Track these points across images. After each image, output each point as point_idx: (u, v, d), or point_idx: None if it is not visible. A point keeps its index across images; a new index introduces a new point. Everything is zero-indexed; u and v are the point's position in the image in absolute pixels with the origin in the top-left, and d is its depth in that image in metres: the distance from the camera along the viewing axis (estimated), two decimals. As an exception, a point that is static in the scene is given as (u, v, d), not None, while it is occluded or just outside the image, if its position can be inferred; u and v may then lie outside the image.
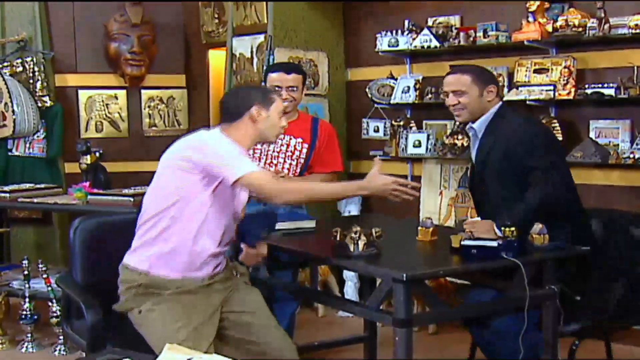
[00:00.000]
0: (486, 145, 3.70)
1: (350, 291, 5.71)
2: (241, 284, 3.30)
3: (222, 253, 3.21)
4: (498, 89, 3.78)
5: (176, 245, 3.06)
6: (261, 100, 3.20)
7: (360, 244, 3.16)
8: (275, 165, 4.14)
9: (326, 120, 4.87)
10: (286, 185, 3.33)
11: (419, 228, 3.54)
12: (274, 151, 4.15)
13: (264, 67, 5.48)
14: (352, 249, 3.17)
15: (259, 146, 4.04)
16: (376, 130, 5.69)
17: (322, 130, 4.23)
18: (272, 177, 3.25)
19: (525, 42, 4.83)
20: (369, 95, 5.65)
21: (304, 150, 4.18)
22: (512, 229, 3.20)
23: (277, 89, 4.01)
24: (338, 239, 3.21)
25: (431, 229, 3.51)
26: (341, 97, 6.04)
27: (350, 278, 5.71)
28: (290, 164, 4.17)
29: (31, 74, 6.13)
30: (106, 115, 6.54)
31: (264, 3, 5.56)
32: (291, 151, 4.16)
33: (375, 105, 5.66)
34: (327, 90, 5.87)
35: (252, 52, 5.67)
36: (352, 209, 5.84)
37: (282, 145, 4.13)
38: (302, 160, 4.18)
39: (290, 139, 4.15)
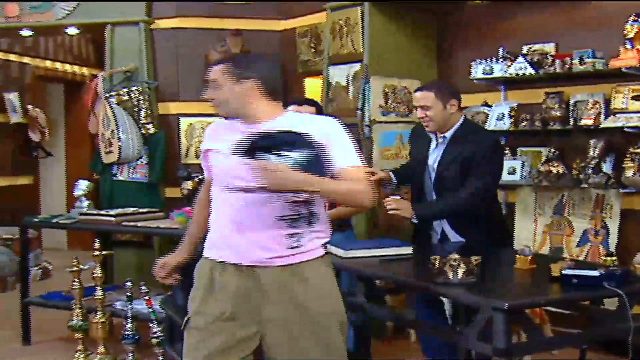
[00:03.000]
0: (450, 152, 4.08)
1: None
2: None
3: None
4: (459, 102, 4.12)
5: None
6: None
7: (460, 271, 3.08)
8: None
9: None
10: None
11: (517, 256, 3.44)
12: None
13: (360, 95, 5.46)
14: (451, 277, 3.08)
15: None
16: (470, 158, 5.57)
17: None
18: None
19: (623, 69, 4.67)
20: (463, 123, 5.55)
21: None
22: (614, 258, 3.08)
23: None
24: (437, 266, 3.13)
25: (529, 257, 3.40)
26: (435, 124, 5.95)
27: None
28: None
29: (136, 103, 6.25)
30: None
31: (360, 33, 5.53)
32: None
33: (470, 132, 5.55)
34: (421, 117, 5.79)
35: (347, 80, 5.65)
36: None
37: None
38: None
39: None
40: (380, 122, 5.56)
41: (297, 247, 2.75)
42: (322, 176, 2.62)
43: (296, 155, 2.59)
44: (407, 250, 3.82)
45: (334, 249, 3.86)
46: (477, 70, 5.40)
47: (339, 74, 5.73)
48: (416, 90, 4.26)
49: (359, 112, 5.50)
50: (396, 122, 5.65)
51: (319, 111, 4.36)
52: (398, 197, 4.14)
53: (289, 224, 2.73)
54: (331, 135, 2.78)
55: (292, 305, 2.74)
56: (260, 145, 2.60)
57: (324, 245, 2.87)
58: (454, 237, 4.11)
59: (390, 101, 5.58)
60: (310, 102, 4.45)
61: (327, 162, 2.65)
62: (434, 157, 4.17)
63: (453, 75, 5.87)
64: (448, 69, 5.93)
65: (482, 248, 3.66)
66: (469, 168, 4.00)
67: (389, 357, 4.63)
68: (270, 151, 2.58)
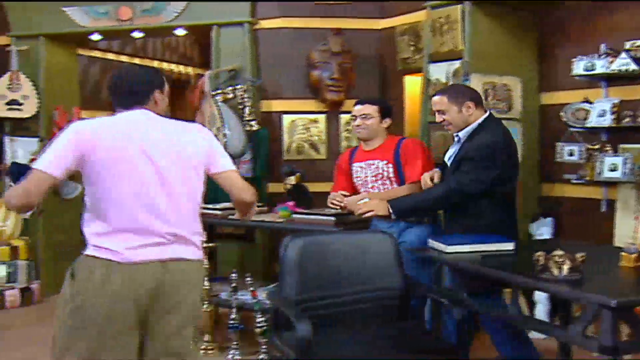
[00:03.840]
0: (462, 150, 4.15)
1: (541, 314, 5.48)
2: None
3: None
4: (476, 103, 4.18)
5: None
6: (161, 85, 3.16)
7: (565, 268, 3.02)
8: (372, 188, 4.66)
9: (413, 139, 4.96)
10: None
11: (622, 254, 3.36)
12: (371, 176, 4.67)
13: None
14: (556, 273, 3.03)
15: (361, 174, 4.70)
16: (570, 154, 5.45)
17: (402, 148, 4.62)
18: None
19: None
20: (564, 119, 5.43)
21: (390, 170, 4.61)
22: None
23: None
24: (541, 262, 3.08)
25: (635, 255, 3.32)
26: (534, 121, 5.84)
27: (541, 301, 5.49)
28: (380, 185, 4.65)
29: (240, 100, 6.34)
30: (307, 138, 6.66)
31: (460, 31, 5.48)
32: (380, 173, 4.63)
33: (570, 129, 5.43)
34: (521, 114, 5.70)
35: (447, 77, 5.60)
36: (544, 232, 5.64)
37: (373, 169, 4.65)
38: (392, 178, 4.62)
39: (378, 162, 4.65)
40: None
41: None
42: None
43: None
44: (509, 246, 3.77)
45: (436, 244, 3.86)
46: (579, 67, 5.27)
47: (439, 72, 5.69)
48: (432, 96, 4.41)
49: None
50: (495, 119, 5.57)
51: (382, 109, 4.69)
52: (366, 200, 4.31)
53: None
54: (213, 143, 3.17)
55: None
56: None
57: None
58: None
59: (490, 98, 5.51)
60: (371, 102, 4.76)
61: None
62: (449, 156, 4.30)
63: (554, 72, 5.76)
64: (549, 66, 5.81)
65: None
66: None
67: (486, 353, 4.57)
68: None
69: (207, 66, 6.93)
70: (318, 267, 3.78)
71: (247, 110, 6.30)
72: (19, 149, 7.22)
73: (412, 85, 6.69)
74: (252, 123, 6.32)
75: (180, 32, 7.09)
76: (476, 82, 5.42)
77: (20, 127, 7.25)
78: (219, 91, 6.37)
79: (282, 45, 6.68)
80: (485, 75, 5.51)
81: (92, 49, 8.47)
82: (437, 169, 4.44)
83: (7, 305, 6.77)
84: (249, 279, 5.15)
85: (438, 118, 4.27)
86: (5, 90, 7.08)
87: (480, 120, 4.19)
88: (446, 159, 4.33)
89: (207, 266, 5.16)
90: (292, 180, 5.24)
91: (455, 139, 4.28)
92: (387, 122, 4.71)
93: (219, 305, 5.39)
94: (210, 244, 5.19)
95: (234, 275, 5.11)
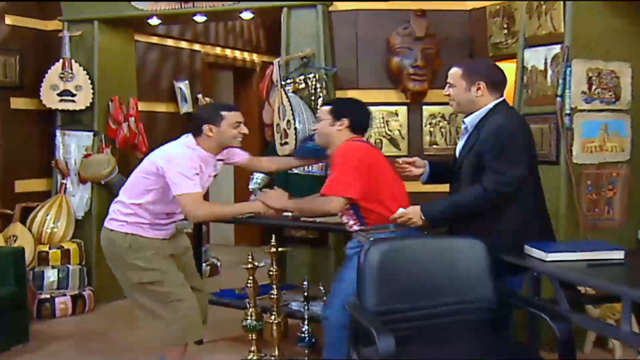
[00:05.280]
0: (470, 141, 4.09)
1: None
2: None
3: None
4: (490, 85, 4.11)
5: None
6: (211, 120, 4.44)
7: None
8: None
9: (345, 144, 4.42)
10: (200, 206, 4.33)
11: None
12: None
13: (560, 80, 5.34)
14: (674, 285, 2.97)
15: None
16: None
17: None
18: (198, 199, 4.30)
19: None
20: (680, 111, 5.32)
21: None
22: None
23: None
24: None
25: None
26: (646, 112, 5.73)
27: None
28: None
29: (313, 91, 6.35)
30: (386, 133, 6.64)
31: (561, 11, 5.40)
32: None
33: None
34: (630, 104, 5.58)
35: (545, 63, 5.53)
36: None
37: None
38: None
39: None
40: (583, 110, 5.41)
41: None
42: None
43: None
44: (619, 254, 3.71)
45: (534, 251, 3.82)
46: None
47: (536, 57, 5.62)
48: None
49: (558, 99, 5.37)
50: (600, 111, 5.47)
51: (335, 110, 4.49)
52: (409, 210, 4.16)
53: None
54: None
55: None
56: None
57: None
58: None
59: (594, 87, 5.42)
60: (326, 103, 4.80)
61: None
62: (459, 147, 4.26)
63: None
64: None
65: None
66: (482, 160, 4.01)
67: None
68: None
69: (275, 53, 6.98)
70: (401, 276, 3.77)
71: (320, 101, 6.30)
72: (71, 144, 7.41)
73: (505, 72, 6.59)
74: (326, 115, 6.31)
75: (246, 15, 7.13)
76: (579, 69, 5.34)
77: (73, 120, 7.44)
78: (289, 81, 6.40)
79: (359, 29, 6.68)
80: (590, 60, 5.43)
81: (150, 35, 8.62)
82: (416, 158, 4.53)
83: (58, 314, 6.94)
84: (322, 287, 5.18)
85: (446, 90, 4.27)
86: (57, 80, 7.27)
87: (490, 106, 4.11)
88: (457, 153, 4.27)
89: (276, 273, 5.23)
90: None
91: (462, 127, 4.24)
92: (344, 122, 4.45)
93: (289, 316, 5.42)
94: (278, 249, 5.23)
95: (305, 283, 5.14)
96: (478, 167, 4.02)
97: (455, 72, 4.23)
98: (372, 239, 4.14)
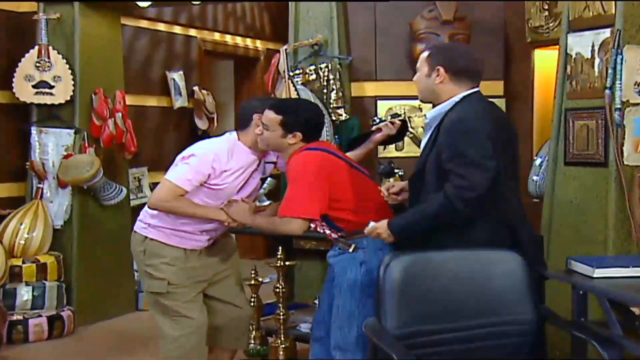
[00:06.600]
0: (431, 139, 3.98)
1: None
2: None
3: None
4: (451, 72, 3.96)
5: None
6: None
7: None
8: None
9: (299, 155, 4.37)
10: (170, 196, 4.46)
11: None
12: None
13: (610, 70, 5.31)
14: None
15: None
16: None
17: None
18: (176, 191, 4.44)
19: None
20: None
21: None
22: None
23: None
24: None
25: None
26: None
27: None
28: None
29: (325, 83, 6.34)
30: (408, 131, 6.61)
31: (611, -10, 5.39)
32: None
33: None
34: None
35: (592, 51, 5.50)
36: None
37: None
38: None
39: None
40: (636, 104, 5.37)
41: None
42: None
43: None
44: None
45: (579, 266, 3.80)
46: None
47: (581, 44, 5.60)
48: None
49: (607, 92, 5.33)
50: (656, 105, 5.46)
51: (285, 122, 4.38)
52: (378, 224, 4.04)
53: None
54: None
55: None
56: None
57: None
58: None
59: (648, 78, 5.40)
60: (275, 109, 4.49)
61: None
62: (422, 147, 4.18)
63: None
64: None
65: None
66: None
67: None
68: None
69: (282, 39, 6.97)
70: (427, 293, 3.73)
71: (333, 94, 6.33)
72: (49, 143, 7.40)
73: (545, 60, 6.63)
74: (340, 111, 6.33)
75: (249, -5, 7.15)
76: (632, 57, 5.30)
77: (51, 116, 7.43)
78: (298, 71, 6.41)
79: (377, 13, 6.69)
80: (645, 47, 5.40)
81: (138, 18, 8.63)
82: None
83: (32, 338, 6.90)
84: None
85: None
86: (32, 70, 7.25)
87: (457, 98, 3.97)
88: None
89: (283, 290, 5.22)
90: (391, 182, 5.23)
91: (424, 122, 4.18)
92: (298, 136, 4.39)
93: (297, 339, 5.41)
94: (286, 262, 5.22)
95: (317, 301, 5.12)
96: (440, 169, 3.90)
97: (423, 55, 4.14)
98: (353, 245, 4.20)
